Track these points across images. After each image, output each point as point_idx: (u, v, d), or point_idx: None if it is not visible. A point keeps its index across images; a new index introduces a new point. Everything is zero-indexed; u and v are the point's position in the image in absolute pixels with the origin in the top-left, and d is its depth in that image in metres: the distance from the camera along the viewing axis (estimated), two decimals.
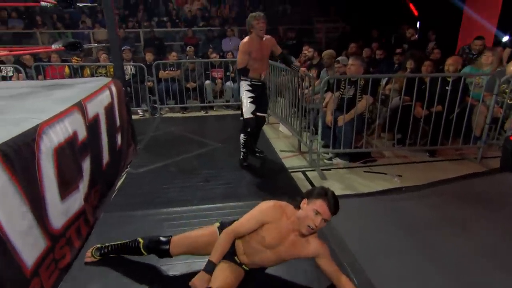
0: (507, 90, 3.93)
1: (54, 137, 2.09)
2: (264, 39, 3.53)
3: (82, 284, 2.01)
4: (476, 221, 2.69)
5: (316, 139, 3.85)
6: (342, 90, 3.99)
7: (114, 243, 2.13)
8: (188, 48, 7.06)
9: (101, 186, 2.85)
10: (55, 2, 3.38)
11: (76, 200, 2.32)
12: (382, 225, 2.68)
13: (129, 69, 6.05)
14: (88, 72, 6.13)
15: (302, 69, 3.95)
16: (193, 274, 1.78)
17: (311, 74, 4.03)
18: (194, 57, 7.14)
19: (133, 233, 2.29)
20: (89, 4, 6.31)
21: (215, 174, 3.55)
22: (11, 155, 1.66)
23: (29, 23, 9.63)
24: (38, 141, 1.92)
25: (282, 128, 5.20)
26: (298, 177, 3.60)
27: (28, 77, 5.95)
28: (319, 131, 3.79)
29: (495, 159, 3.82)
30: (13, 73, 6.10)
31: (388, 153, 4.22)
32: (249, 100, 3.58)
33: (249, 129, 3.65)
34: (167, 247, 1.92)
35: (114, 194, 3.13)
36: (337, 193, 1.78)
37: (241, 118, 3.70)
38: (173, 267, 2.10)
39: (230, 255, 1.86)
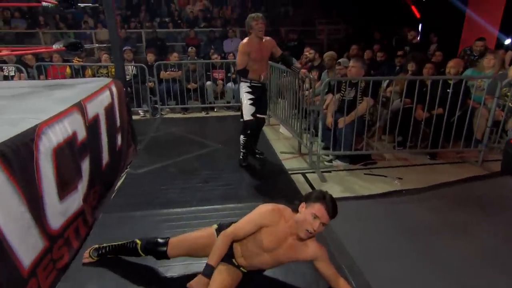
0: (508, 93, 3.91)
1: (53, 137, 2.09)
2: (264, 40, 3.53)
3: (79, 284, 2.00)
4: (476, 225, 2.68)
5: (317, 141, 3.84)
6: (342, 92, 3.98)
7: (112, 244, 2.13)
8: (189, 49, 7.05)
9: (100, 187, 2.84)
10: (56, 2, 3.39)
11: (75, 201, 2.31)
12: (382, 228, 2.66)
13: (130, 69, 6.06)
14: (90, 72, 6.14)
15: (303, 70, 3.95)
16: (191, 275, 1.78)
17: (311, 76, 4.03)
18: (196, 58, 7.14)
19: (132, 234, 2.29)
20: (90, 4, 6.31)
21: (215, 175, 3.54)
22: (9, 155, 1.65)
23: (32, 23, 9.68)
24: (37, 141, 1.92)
25: (282, 129, 5.19)
26: (298, 179, 3.59)
27: (30, 77, 5.96)
28: (320, 133, 3.79)
29: (496, 163, 3.81)
30: (15, 72, 6.12)
31: (388, 155, 4.21)
32: (249, 102, 3.59)
33: (249, 131, 3.66)
34: (165, 249, 1.92)
35: (113, 195, 3.13)
36: (337, 195, 1.78)
37: (241, 120, 3.71)
38: (171, 269, 2.10)
39: (228, 257, 1.85)
